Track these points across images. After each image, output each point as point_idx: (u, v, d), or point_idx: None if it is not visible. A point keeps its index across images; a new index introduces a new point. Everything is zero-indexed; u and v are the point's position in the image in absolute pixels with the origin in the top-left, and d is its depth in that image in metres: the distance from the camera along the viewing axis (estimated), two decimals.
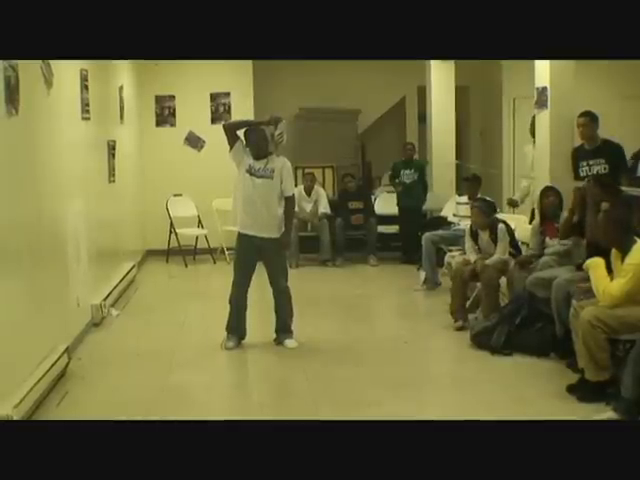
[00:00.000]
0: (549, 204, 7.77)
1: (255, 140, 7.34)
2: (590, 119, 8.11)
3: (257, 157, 7.31)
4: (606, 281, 5.74)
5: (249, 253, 7.41)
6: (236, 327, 7.51)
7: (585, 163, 8.03)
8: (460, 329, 7.74)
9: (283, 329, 7.52)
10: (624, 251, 5.74)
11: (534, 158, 10.07)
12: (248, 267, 7.45)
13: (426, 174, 12.58)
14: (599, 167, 7.96)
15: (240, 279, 7.46)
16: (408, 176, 12.17)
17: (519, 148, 12.53)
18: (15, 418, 4.96)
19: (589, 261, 5.99)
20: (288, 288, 7.52)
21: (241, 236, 7.45)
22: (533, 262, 7.60)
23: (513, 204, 10.77)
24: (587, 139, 8.14)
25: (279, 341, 7.49)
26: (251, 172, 7.27)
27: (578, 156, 8.17)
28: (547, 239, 7.65)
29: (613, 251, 5.87)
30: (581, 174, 8.02)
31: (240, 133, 7.42)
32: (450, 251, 9.49)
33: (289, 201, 7.44)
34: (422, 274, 9.81)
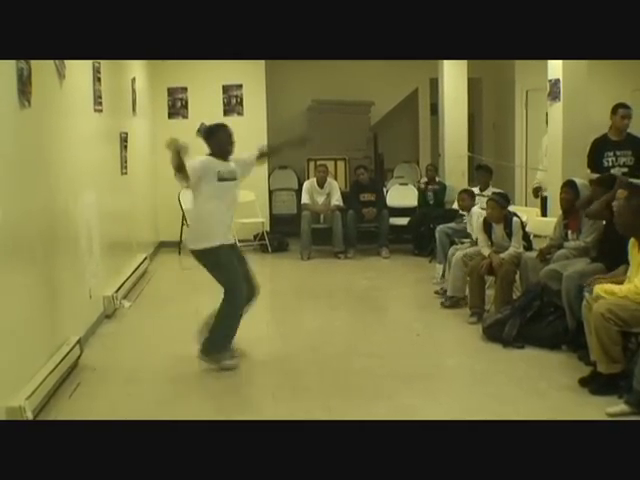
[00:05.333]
0: (565, 199, 7.60)
1: (226, 138, 6.68)
2: (631, 111, 8.12)
3: (226, 158, 6.64)
4: (626, 286, 5.74)
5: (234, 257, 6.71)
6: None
7: (612, 154, 8.03)
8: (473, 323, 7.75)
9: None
10: None
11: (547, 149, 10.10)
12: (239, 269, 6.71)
13: (445, 195, 12.51)
14: (626, 159, 8.00)
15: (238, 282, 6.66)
16: (431, 197, 12.45)
17: (534, 140, 12.52)
18: (27, 409, 4.98)
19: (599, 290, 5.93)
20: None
21: (222, 247, 6.58)
22: (552, 252, 7.53)
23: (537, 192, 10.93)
24: (623, 131, 8.12)
25: None
26: (222, 178, 6.53)
27: (602, 147, 8.13)
28: (569, 232, 7.53)
29: (631, 240, 5.87)
30: (605, 164, 8.01)
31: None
32: (461, 242, 9.45)
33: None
34: (439, 267, 9.77)
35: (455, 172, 12.98)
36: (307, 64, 13.17)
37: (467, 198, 9.19)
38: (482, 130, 15.81)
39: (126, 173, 9.80)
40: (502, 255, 7.79)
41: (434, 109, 14.68)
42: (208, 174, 6.47)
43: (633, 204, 5.89)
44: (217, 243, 6.52)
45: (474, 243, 8.63)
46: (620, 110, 8.15)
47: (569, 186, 7.61)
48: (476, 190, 10.06)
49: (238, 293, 6.56)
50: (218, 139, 6.67)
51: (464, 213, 9.60)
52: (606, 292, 5.77)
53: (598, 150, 8.13)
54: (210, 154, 6.64)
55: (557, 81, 9.10)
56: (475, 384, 6.28)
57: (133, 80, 10.67)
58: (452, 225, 10.04)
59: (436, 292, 9.02)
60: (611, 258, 6.42)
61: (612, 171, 7.87)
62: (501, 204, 8.04)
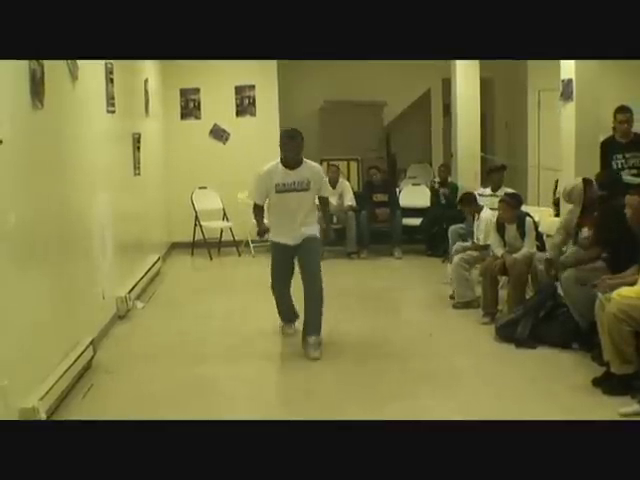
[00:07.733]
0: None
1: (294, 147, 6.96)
2: (631, 115, 8.08)
3: (292, 167, 7.01)
4: (637, 287, 5.73)
5: (284, 256, 7.30)
6: (286, 314, 7.62)
7: (621, 156, 8.00)
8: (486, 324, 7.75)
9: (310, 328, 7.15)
10: None
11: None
12: (285, 269, 7.37)
13: (458, 195, 12.53)
14: (635, 160, 7.96)
15: (277, 280, 7.41)
16: (443, 198, 12.46)
17: (546, 140, 12.47)
18: (41, 410, 5.00)
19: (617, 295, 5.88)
20: (321, 289, 7.16)
21: (274, 243, 7.35)
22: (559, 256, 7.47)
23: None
24: (626, 135, 8.09)
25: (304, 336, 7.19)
26: (282, 189, 7.03)
27: (611, 149, 8.10)
28: (585, 230, 7.42)
29: None
30: (614, 167, 7.97)
31: None
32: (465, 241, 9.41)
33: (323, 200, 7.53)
34: (450, 267, 9.75)
35: (468, 173, 12.94)
36: (319, 64, 13.12)
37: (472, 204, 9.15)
38: (495, 130, 15.78)
39: (139, 174, 9.82)
40: (515, 255, 7.77)
41: (446, 109, 14.66)
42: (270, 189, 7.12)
43: None
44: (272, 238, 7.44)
45: (476, 247, 8.62)
46: (618, 115, 8.13)
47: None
48: (488, 190, 10.06)
49: (273, 288, 7.47)
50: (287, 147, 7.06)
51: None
52: (619, 294, 5.75)
53: (607, 152, 8.11)
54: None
55: (570, 81, 9.07)
56: (488, 384, 6.27)
57: (146, 81, 10.70)
58: (465, 225, 10.03)
59: (451, 297, 8.94)
60: (619, 257, 6.40)
61: (622, 173, 7.84)
62: (512, 205, 8.01)
